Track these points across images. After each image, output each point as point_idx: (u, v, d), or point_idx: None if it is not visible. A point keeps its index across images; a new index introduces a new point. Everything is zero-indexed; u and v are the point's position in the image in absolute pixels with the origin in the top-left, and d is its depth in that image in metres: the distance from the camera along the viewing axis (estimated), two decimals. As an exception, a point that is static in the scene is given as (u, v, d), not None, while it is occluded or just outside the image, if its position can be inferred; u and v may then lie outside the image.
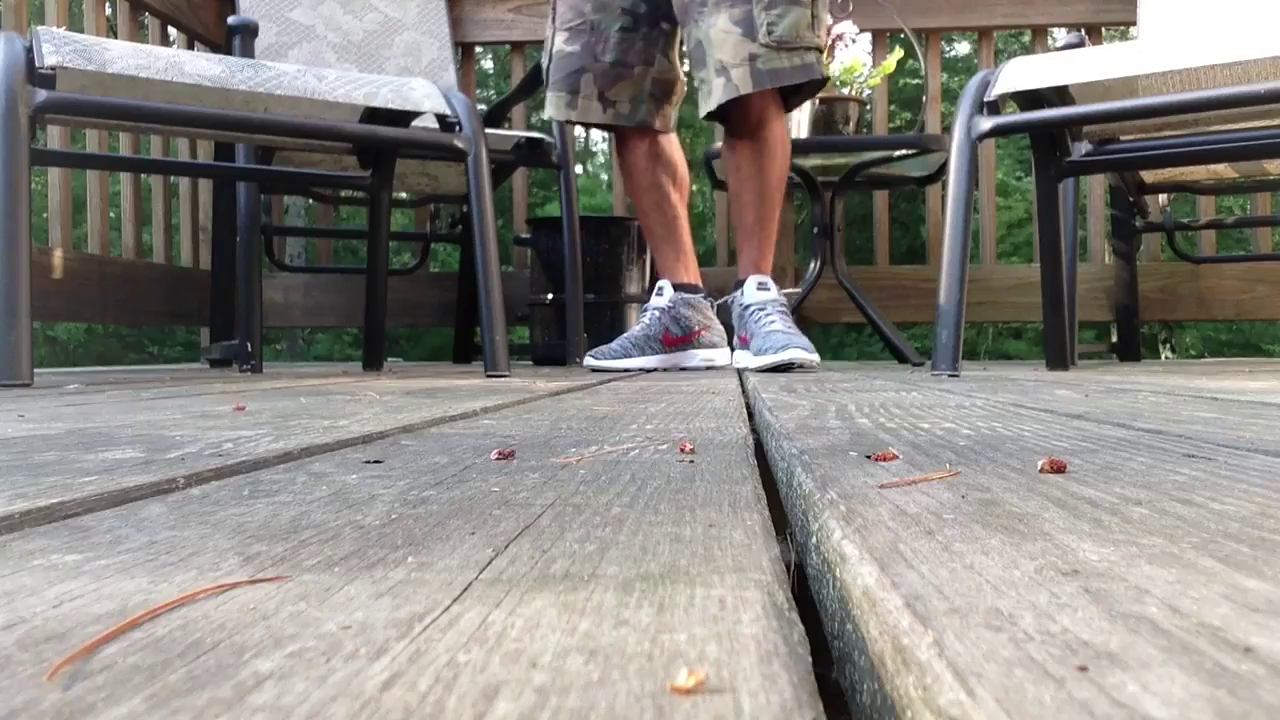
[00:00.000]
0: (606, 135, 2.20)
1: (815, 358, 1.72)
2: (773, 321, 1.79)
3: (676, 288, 1.99)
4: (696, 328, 1.97)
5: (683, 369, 1.91)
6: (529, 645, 0.18)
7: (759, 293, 1.87)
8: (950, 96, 2.45)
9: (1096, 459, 0.43)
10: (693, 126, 7.86)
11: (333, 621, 0.20)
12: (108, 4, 2.35)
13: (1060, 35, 2.77)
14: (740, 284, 1.92)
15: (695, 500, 0.35)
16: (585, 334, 2.31)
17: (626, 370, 1.83)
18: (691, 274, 2.03)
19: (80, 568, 0.25)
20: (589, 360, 1.90)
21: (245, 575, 0.24)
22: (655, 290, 2.01)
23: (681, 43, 1.96)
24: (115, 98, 1.40)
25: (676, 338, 1.94)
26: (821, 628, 0.25)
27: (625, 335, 1.95)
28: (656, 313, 1.96)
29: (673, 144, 2.05)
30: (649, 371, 1.83)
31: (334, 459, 0.48)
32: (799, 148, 2.32)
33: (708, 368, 1.94)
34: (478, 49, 3.19)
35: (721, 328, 2.02)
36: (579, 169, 9.14)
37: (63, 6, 2.11)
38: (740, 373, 1.71)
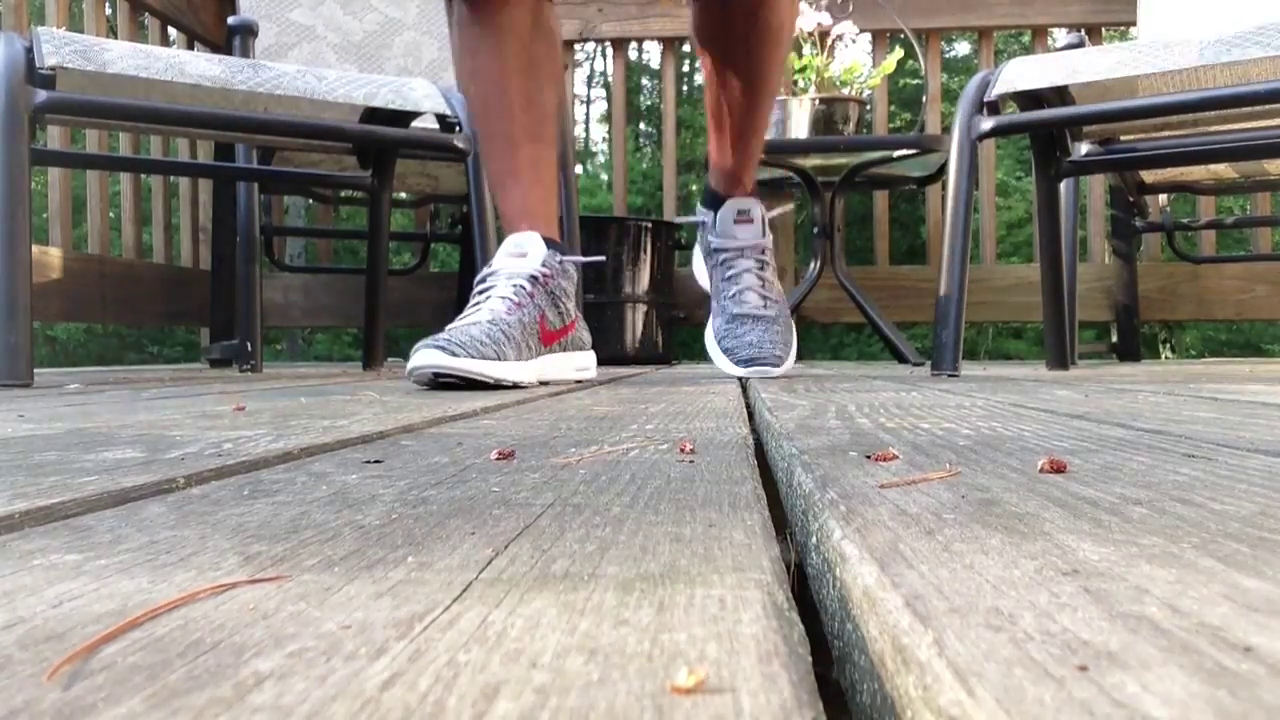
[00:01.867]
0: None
1: (778, 369, 1.35)
2: (744, 299, 1.37)
3: (554, 245, 1.26)
4: (571, 315, 1.29)
5: (544, 383, 1.21)
6: (529, 645, 0.18)
7: (738, 228, 1.39)
8: (950, 96, 2.45)
9: (1096, 459, 0.43)
10: (691, 127, 7.83)
11: (333, 621, 0.20)
12: (108, 4, 2.35)
13: (1060, 35, 2.77)
14: (714, 200, 1.42)
15: (695, 500, 0.35)
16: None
17: (482, 378, 1.08)
18: (555, 221, 1.34)
19: (80, 567, 0.25)
20: (432, 358, 1.06)
21: (245, 575, 0.24)
22: (510, 245, 1.25)
23: None
24: (115, 98, 1.40)
25: (554, 331, 1.24)
26: (821, 627, 0.25)
27: (488, 320, 1.13)
28: (525, 285, 1.20)
29: (555, 11, 1.38)
30: (512, 386, 1.11)
31: (334, 459, 0.48)
32: (799, 148, 2.32)
33: (579, 383, 1.27)
34: (478, 49, 3.18)
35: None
36: (579, 169, 9.15)
37: (63, 6, 2.11)
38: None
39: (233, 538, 0.28)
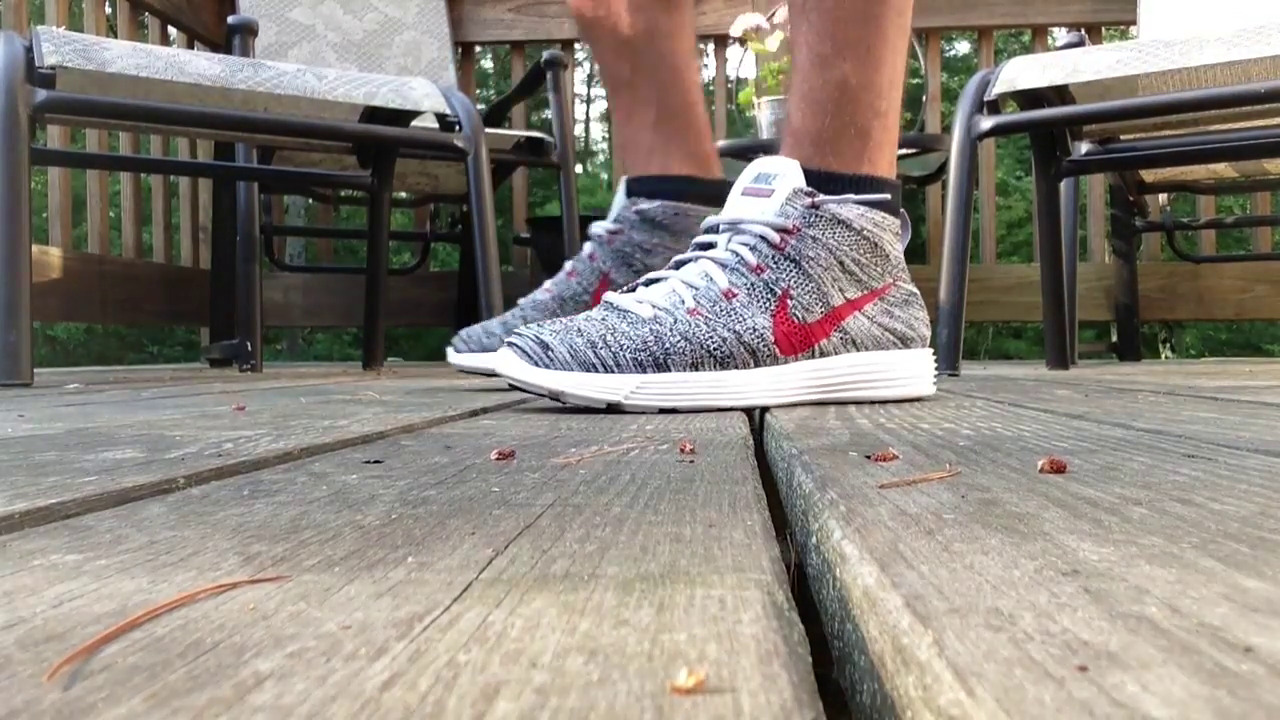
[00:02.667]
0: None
1: (524, 373, 0.75)
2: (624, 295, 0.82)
3: (647, 185, 1.02)
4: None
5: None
6: (529, 645, 0.18)
7: (744, 201, 0.78)
8: (950, 96, 2.45)
9: (1096, 459, 0.43)
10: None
11: (333, 621, 0.20)
12: (108, 4, 2.35)
13: (1060, 35, 2.77)
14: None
15: (695, 500, 0.35)
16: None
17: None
18: (696, 160, 1.08)
19: (80, 568, 0.25)
20: (461, 359, 1.09)
21: (245, 575, 0.24)
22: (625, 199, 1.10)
23: None
24: (115, 97, 1.40)
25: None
26: (821, 628, 0.25)
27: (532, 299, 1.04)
28: (589, 248, 1.06)
29: None
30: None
31: (334, 459, 0.48)
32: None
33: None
34: (477, 48, 3.19)
35: None
36: (579, 169, 9.14)
37: (63, 6, 2.11)
38: None
39: (233, 538, 0.28)
